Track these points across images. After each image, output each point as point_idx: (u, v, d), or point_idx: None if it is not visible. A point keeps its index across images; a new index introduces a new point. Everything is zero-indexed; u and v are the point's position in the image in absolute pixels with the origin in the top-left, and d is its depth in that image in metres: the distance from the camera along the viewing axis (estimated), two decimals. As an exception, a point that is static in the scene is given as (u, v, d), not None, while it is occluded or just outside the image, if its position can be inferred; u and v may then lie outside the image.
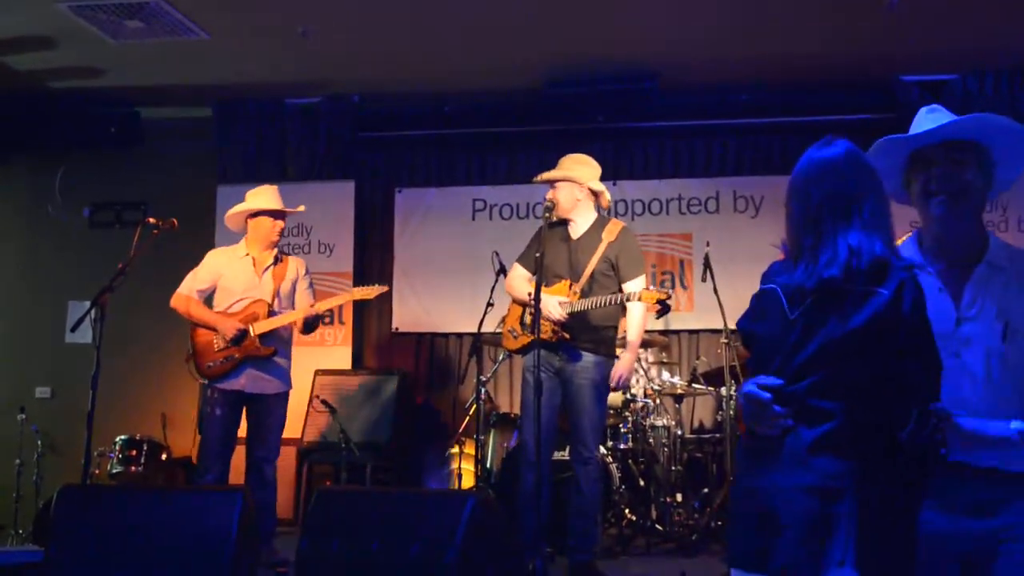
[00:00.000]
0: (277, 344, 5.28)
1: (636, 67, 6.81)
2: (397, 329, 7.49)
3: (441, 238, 7.45)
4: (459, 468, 6.09)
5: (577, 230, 4.97)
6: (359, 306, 7.47)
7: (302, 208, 5.65)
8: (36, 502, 6.57)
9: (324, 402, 6.33)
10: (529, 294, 4.66)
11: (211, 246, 6.22)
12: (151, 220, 5.16)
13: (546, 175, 5.00)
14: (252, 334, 5.21)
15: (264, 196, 5.46)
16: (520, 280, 5.05)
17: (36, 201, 7.92)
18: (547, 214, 4.87)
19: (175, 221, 5.22)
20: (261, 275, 5.37)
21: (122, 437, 6.40)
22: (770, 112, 7.18)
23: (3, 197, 8.08)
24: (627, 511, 5.76)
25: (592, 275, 4.86)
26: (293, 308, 5.38)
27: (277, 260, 5.44)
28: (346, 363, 7.32)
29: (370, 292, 5.51)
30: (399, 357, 7.45)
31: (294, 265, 5.49)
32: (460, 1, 5.81)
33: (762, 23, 6.07)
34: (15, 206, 8.08)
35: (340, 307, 7.38)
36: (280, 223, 5.46)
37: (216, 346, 5.22)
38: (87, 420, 4.75)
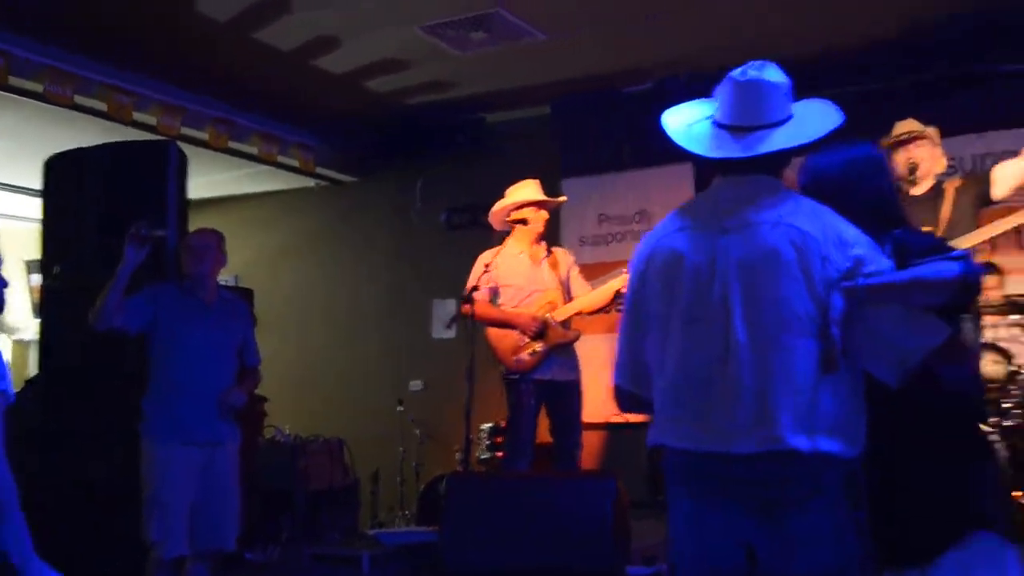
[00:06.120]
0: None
1: None
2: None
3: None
4: None
5: None
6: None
7: (563, 198, 5.75)
8: (417, 486, 7.18)
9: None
10: None
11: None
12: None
13: None
14: (554, 322, 5.31)
15: (526, 189, 5.49)
16: None
17: (400, 210, 8.61)
18: None
19: (527, 218, 5.45)
20: (541, 267, 5.47)
21: (487, 425, 6.77)
22: None
23: (373, 209, 8.85)
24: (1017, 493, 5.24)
25: None
26: (571, 297, 5.44)
27: (548, 252, 5.54)
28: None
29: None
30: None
31: (564, 256, 5.62)
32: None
33: None
34: (383, 216, 8.82)
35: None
36: (544, 213, 5.49)
37: (522, 341, 5.33)
38: (464, 412, 5.08)
